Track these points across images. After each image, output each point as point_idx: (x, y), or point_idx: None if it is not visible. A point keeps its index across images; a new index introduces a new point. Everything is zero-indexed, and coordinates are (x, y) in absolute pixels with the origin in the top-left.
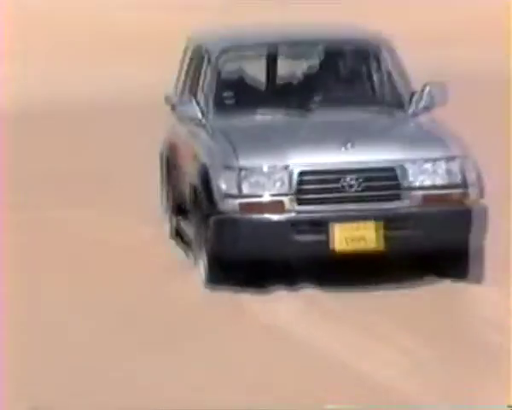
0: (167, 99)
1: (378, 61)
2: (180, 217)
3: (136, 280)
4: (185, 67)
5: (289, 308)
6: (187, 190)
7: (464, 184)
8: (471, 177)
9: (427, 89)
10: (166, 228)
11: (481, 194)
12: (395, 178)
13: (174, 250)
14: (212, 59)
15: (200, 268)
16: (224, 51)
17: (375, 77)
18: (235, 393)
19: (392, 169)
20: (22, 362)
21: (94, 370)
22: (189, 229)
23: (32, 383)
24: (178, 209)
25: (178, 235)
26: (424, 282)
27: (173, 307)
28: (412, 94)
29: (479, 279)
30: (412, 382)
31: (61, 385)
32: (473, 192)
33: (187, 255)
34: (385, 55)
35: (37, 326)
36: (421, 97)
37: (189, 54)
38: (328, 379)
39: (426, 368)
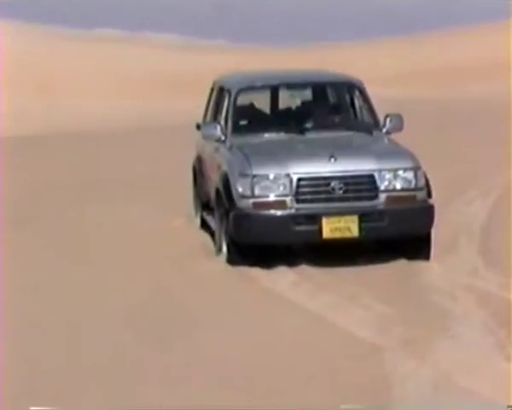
0: (198, 126)
1: (352, 95)
2: (206, 212)
3: (176, 255)
4: (211, 101)
5: (286, 278)
6: (212, 192)
7: (416, 188)
8: (421, 182)
9: (388, 118)
10: (197, 221)
11: (429, 195)
12: (374, 182)
13: (203, 236)
14: (232, 96)
15: (223, 250)
16: (241, 91)
17: (353, 106)
18: (239, 337)
19: (371, 176)
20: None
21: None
22: (213, 221)
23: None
24: (205, 207)
25: (204, 225)
26: (390, 260)
27: (203, 274)
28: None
29: (427, 257)
30: (376, 331)
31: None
32: (421, 194)
33: (213, 241)
34: (357, 91)
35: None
36: (384, 124)
37: (214, 91)
38: (311, 329)
39: (388, 322)
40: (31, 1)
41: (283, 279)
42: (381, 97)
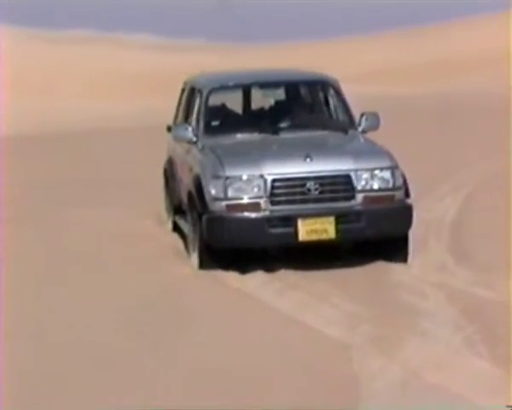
0: (169, 128)
1: (327, 94)
2: (178, 216)
3: (147, 259)
4: (183, 101)
5: (256, 278)
6: (184, 195)
7: (393, 188)
8: (399, 182)
9: (364, 117)
10: (169, 224)
11: (407, 195)
12: (350, 182)
13: (174, 240)
14: (203, 96)
15: (195, 255)
16: (212, 90)
17: (328, 105)
18: (209, 338)
19: (348, 176)
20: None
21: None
22: (185, 225)
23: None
24: (177, 210)
25: (176, 229)
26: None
27: (174, 277)
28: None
29: (405, 259)
30: (344, 329)
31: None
32: (399, 194)
33: (185, 245)
34: (332, 89)
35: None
36: (359, 123)
37: (185, 92)
38: (279, 328)
39: (357, 320)
40: (1, 2)
41: (253, 279)
42: (368, 94)
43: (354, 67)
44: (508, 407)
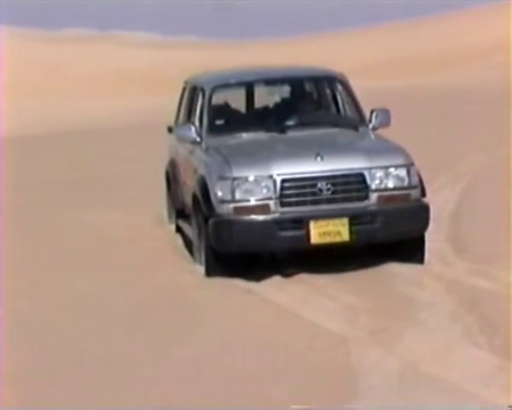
0: (170, 129)
1: (334, 89)
2: (181, 220)
3: (149, 261)
4: (184, 101)
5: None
6: (188, 198)
7: (409, 186)
8: (414, 180)
9: (374, 113)
10: (172, 227)
11: (423, 194)
12: (364, 181)
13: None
14: (206, 94)
15: (201, 261)
16: (215, 88)
17: (335, 101)
18: (208, 333)
19: (361, 174)
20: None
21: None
22: (189, 229)
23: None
24: (180, 214)
25: (179, 231)
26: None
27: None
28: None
29: (422, 261)
30: (343, 322)
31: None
32: (415, 192)
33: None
34: (339, 85)
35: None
36: (370, 120)
37: (186, 91)
38: (278, 322)
39: (355, 312)
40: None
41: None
42: (367, 87)
43: (351, 60)
44: (509, 407)
